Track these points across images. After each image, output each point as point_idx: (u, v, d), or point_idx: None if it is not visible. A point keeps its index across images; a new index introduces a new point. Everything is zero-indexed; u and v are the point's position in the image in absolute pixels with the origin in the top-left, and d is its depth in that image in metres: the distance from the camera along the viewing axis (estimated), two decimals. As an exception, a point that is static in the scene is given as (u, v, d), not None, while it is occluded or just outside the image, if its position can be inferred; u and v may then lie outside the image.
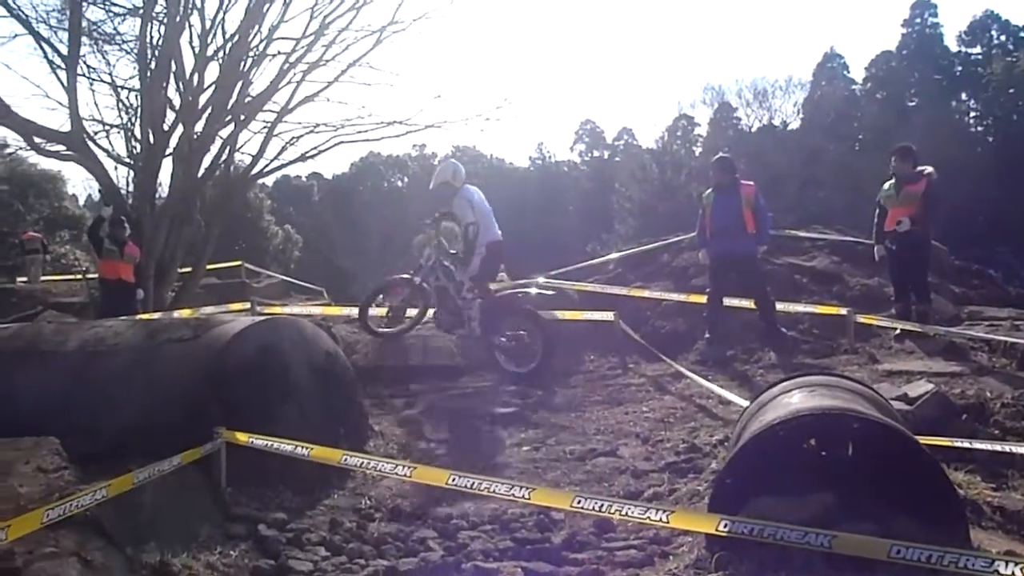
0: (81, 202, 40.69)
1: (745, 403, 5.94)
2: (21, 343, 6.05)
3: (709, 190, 9.93)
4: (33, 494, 4.15)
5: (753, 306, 9.67)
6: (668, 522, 3.76)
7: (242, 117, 15.05)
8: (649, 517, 3.79)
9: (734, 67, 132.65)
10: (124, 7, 14.96)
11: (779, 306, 9.74)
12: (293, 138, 15.53)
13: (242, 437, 4.88)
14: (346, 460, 4.72)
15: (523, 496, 4.05)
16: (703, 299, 10.03)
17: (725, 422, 6.92)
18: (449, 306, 9.42)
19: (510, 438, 7.35)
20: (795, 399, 4.51)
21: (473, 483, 4.19)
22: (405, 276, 9.80)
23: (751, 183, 9.73)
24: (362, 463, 4.74)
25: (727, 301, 9.78)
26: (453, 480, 4.24)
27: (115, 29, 15.14)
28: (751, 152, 48.68)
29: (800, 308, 10.08)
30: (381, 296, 10.13)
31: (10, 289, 21.01)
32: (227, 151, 15.20)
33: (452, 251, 9.56)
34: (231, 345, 5.44)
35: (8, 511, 3.87)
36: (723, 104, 66.05)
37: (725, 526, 3.53)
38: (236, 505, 4.92)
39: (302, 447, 4.75)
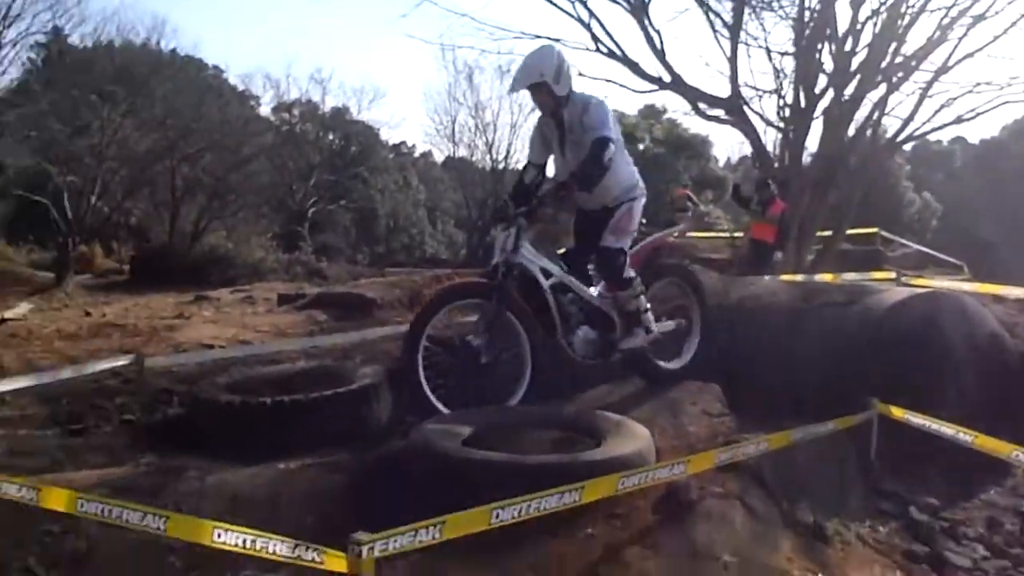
0: (721, 164, 43.19)
1: None
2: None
3: None
4: (699, 434, 4.52)
5: None
6: None
7: (894, 79, 14.31)
8: None
9: None
10: (788, -27, 15.24)
11: None
12: (949, 99, 14.27)
13: (897, 412, 4.66)
14: (1017, 456, 4.20)
15: None
16: None
17: None
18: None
19: None
20: None
21: None
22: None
23: None
24: (1038, 463, 4.20)
25: None
26: None
27: (775, -4, 15.50)
28: None
29: None
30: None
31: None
32: (875, 115, 14.64)
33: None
34: (891, 315, 5.25)
35: (681, 447, 4.28)
36: None
37: None
38: (883, 481, 4.74)
39: (965, 433, 4.36)
